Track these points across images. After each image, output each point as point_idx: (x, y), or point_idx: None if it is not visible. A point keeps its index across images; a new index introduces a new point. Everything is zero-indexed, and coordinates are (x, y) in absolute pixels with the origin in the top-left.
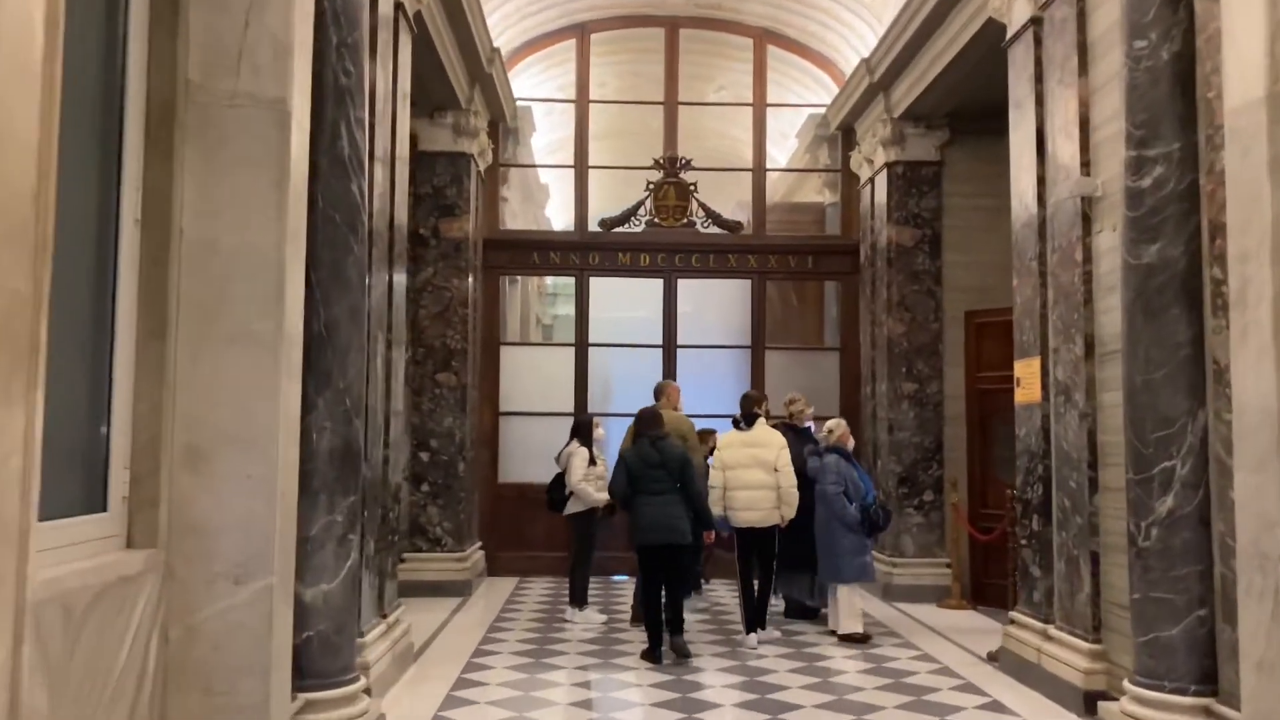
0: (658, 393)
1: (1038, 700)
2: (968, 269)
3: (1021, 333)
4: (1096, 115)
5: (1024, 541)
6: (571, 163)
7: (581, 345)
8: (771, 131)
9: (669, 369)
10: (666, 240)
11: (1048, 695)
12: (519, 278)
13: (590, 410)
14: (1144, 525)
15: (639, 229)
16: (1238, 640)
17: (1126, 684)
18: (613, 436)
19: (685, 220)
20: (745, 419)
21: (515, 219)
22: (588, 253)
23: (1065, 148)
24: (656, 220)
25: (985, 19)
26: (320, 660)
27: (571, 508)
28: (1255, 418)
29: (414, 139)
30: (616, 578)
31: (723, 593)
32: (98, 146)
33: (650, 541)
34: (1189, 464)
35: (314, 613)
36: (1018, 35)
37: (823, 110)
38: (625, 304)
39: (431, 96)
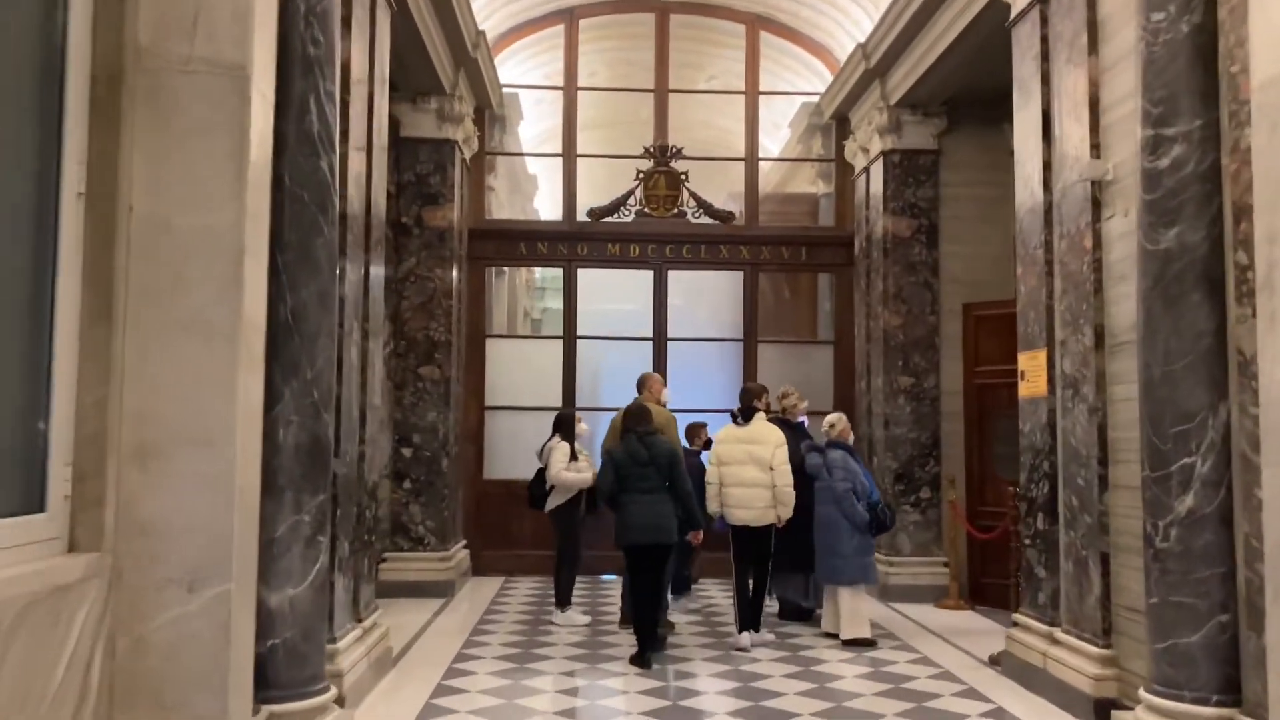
0: (640, 385)
1: (1045, 707)
2: (966, 260)
3: (1026, 324)
4: (1107, 96)
5: (1028, 541)
6: (559, 151)
7: (570, 338)
8: (764, 121)
9: (659, 362)
10: (657, 231)
11: (1055, 702)
12: (506, 270)
13: (579, 404)
14: (1162, 526)
15: (629, 219)
16: (1264, 648)
17: (1143, 693)
18: (601, 431)
19: (676, 210)
20: (743, 413)
21: (502, 210)
22: (576, 243)
23: (1074, 130)
24: (646, 210)
25: None
26: (286, 670)
27: (553, 502)
28: None
29: (396, 125)
30: (605, 577)
31: (714, 592)
32: (35, 114)
33: (635, 541)
34: (1210, 461)
35: (279, 619)
36: (1023, 14)
37: (816, 98)
38: (615, 296)
39: (414, 81)
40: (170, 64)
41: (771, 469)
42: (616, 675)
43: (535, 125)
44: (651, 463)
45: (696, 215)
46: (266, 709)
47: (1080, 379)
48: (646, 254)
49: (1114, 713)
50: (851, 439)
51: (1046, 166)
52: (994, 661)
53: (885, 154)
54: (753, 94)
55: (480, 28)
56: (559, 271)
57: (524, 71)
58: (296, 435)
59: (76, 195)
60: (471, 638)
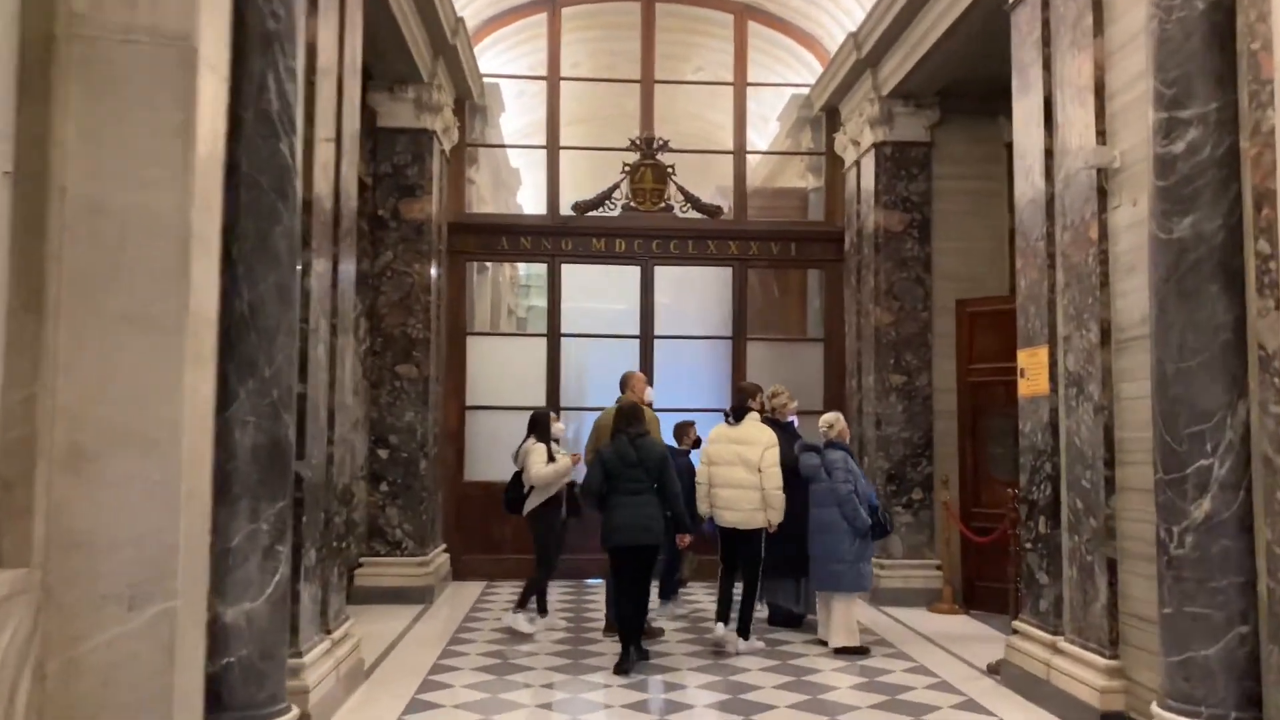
0: (623, 384)
1: None
2: (959, 255)
3: (1026, 319)
4: (1114, 80)
5: (1029, 545)
6: (543, 143)
7: (553, 335)
8: (752, 116)
9: (646, 360)
10: (643, 225)
11: (1059, 715)
12: (489, 266)
13: (564, 404)
14: (1176, 531)
15: (614, 213)
16: None
17: (1155, 708)
18: (585, 431)
19: (663, 204)
20: (734, 413)
21: (485, 206)
22: (560, 238)
23: (1078, 116)
24: (633, 204)
25: None
26: (243, 690)
27: (532, 504)
28: None
29: (373, 115)
30: (590, 581)
31: (702, 598)
32: None
33: (621, 543)
34: (1228, 463)
35: (235, 635)
36: None
37: (806, 90)
38: (600, 292)
39: (391, 69)
40: (109, 32)
41: (760, 470)
42: (600, 687)
43: (518, 119)
44: (640, 464)
45: (684, 210)
46: None
47: (1085, 376)
48: (633, 249)
49: None
50: (848, 439)
51: (1048, 155)
52: (993, 670)
53: (877, 146)
54: (741, 86)
55: (459, 14)
56: (544, 269)
57: (506, 62)
58: (254, 437)
59: (2, 174)
60: (449, 646)
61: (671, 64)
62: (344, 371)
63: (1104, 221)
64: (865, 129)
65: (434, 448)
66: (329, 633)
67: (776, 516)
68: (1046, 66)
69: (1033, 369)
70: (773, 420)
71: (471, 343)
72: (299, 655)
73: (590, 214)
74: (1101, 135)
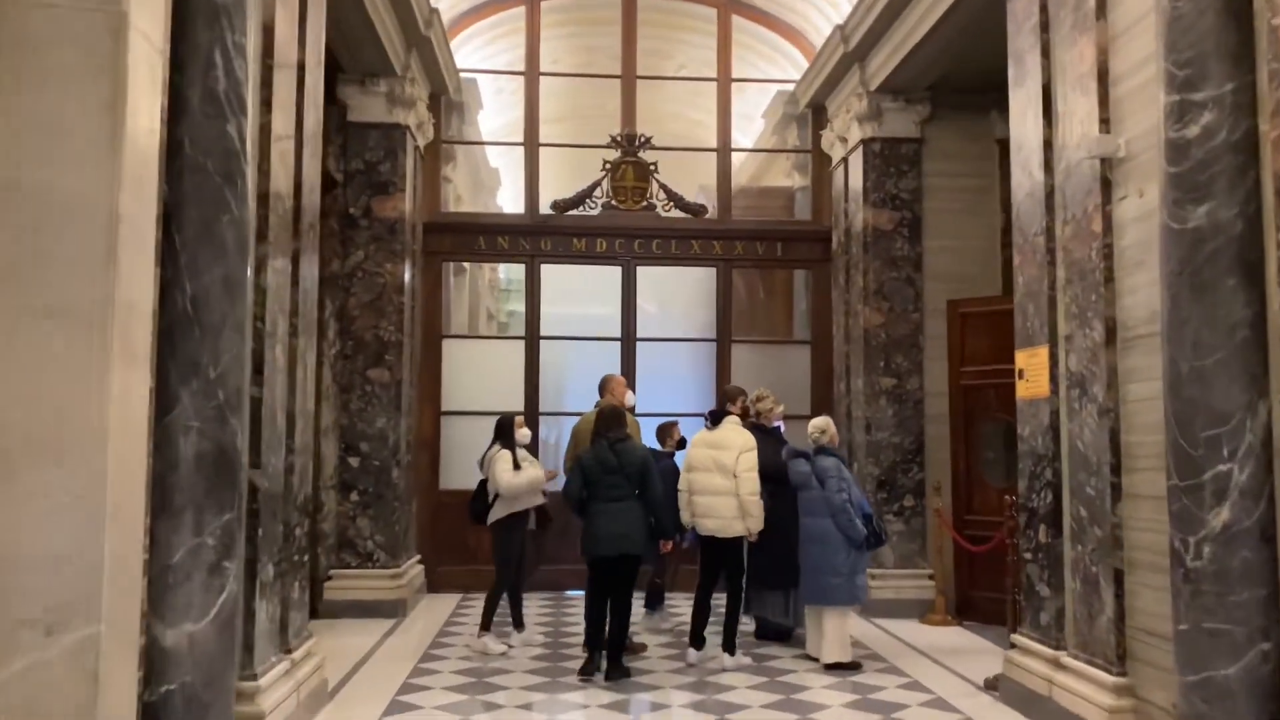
0: (601, 388)
1: None
2: (951, 255)
3: (1025, 318)
4: (1119, 65)
5: (1029, 555)
6: (521, 140)
7: (532, 338)
8: (736, 115)
9: (628, 363)
10: (625, 224)
11: None
12: (467, 268)
13: (543, 409)
14: (1193, 542)
15: (595, 212)
16: None
17: None
18: (564, 436)
19: (645, 203)
20: (712, 416)
21: (463, 205)
22: (539, 237)
23: (1080, 104)
24: (614, 203)
25: None
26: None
27: (497, 514)
28: None
29: (343, 108)
30: (570, 593)
31: (687, 611)
32: None
33: (602, 553)
34: (1248, 468)
35: (176, 661)
36: None
37: (791, 86)
38: (580, 293)
39: (362, 61)
40: None
41: (735, 476)
42: (578, 707)
43: (497, 118)
44: (620, 470)
45: (667, 209)
46: None
47: (1089, 378)
48: (614, 249)
49: None
50: (838, 444)
51: (1047, 146)
52: (990, 686)
53: (865, 142)
54: (725, 82)
55: (434, 5)
56: (524, 272)
57: (484, 58)
58: (197, 444)
59: None
60: (421, 664)
61: (654, 60)
62: (306, 374)
63: (1108, 214)
64: (853, 125)
65: (407, 455)
66: (289, 652)
67: (755, 524)
68: (1045, 53)
69: (1032, 370)
70: (758, 425)
71: (447, 346)
72: (254, 678)
73: (570, 213)
74: (1105, 124)
